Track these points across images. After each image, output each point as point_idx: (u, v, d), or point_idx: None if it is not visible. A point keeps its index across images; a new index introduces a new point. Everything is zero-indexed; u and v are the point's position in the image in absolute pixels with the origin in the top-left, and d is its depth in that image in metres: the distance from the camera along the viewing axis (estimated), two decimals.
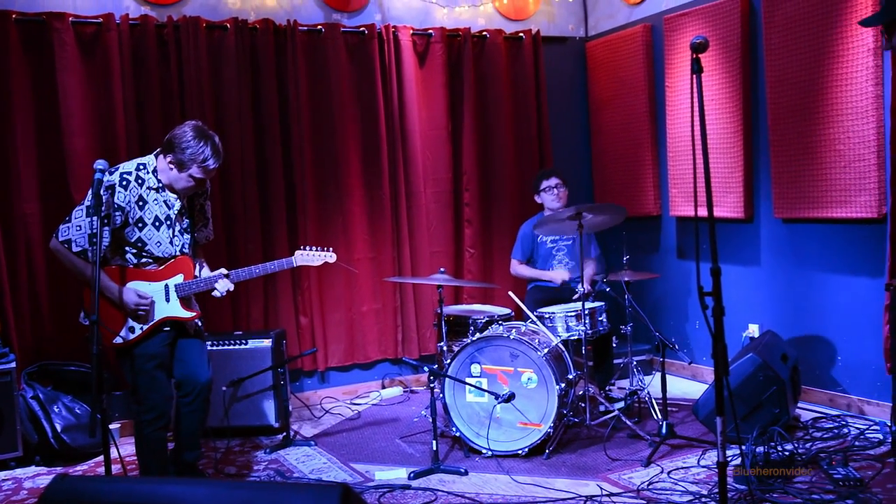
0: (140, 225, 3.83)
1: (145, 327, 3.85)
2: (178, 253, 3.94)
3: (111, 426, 3.97)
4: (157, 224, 3.86)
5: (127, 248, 3.88)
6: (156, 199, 3.86)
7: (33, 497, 4.29)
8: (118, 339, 3.85)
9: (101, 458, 4.79)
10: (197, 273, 4.00)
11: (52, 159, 5.19)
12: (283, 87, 5.78)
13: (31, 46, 5.15)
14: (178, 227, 3.94)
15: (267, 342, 5.24)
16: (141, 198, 3.83)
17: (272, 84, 5.72)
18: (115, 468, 3.69)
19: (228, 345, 5.22)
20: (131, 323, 3.85)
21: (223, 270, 3.99)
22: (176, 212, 3.92)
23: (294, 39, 5.74)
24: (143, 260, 3.88)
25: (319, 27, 5.86)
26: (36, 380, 5.00)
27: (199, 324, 4.12)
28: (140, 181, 3.83)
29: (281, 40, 5.75)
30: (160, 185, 3.87)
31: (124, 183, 3.79)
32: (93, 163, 3.66)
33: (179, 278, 3.91)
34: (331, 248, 4.23)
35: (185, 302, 3.94)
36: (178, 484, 2.51)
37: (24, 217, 5.12)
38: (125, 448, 4.81)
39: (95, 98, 5.28)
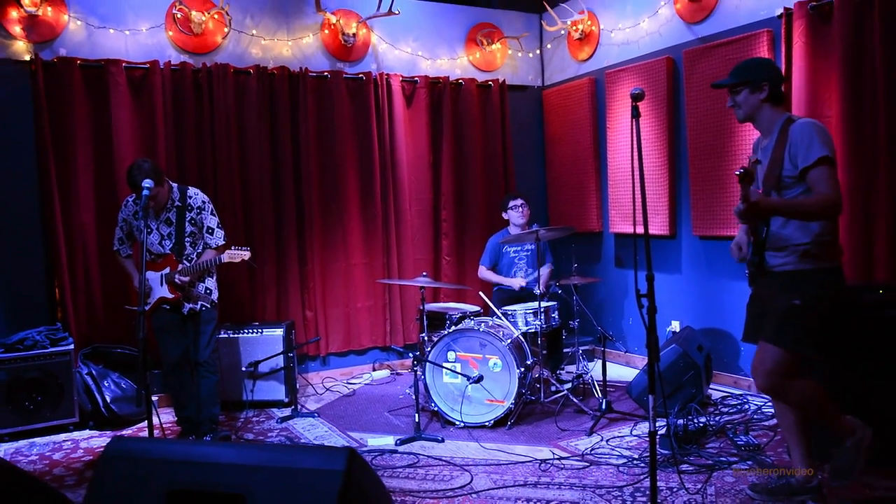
0: (138, 231, 4.33)
1: (151, 303, 4.36)
2: (167, 252, 4.34)
3: (152, 398, 4.02)
4: (148, 230, 4.32)
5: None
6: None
7: (88, 455, 4.30)
8: (139, 309, 4.26)
9: (143, 423, 4.78)
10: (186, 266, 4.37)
11: (105, 179, 5.20)
12: (295, 122, 5.80)
13: (91, 87, 5.16)
14: (164, 234, 4.34)
15: (279, 331, 5.26)
16: (137, 213, 4.34)
17: (286, 119, 5.75)
18: (156, 433, 3.71)
19: (247, 333, 5.24)
20: (147, 300, 4.37)
21: (186, 265, 4.35)
22: (160, 222, 4.33)
23: (305, 83, 5.77)
24: (151, 257, 4.36)
25: (326, 73, 5.90)
26: (90, 359, 5.00)
27: (207, 305, 4.43)
28: (137, 201, 4.29)
29: (294, 84, 5.78)
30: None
31: (125, 203, 4.43)
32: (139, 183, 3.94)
33: (167, 270, 4.33)
34: (248, 248, 4.39)
35: (173, 287, 4.32)
36: (212, 445, 2.54)
37: (82, 225, 5.13)
38: (163, 416, 4.83)
39: (142, 130, 5.29)
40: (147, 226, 4.14)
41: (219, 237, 4.46)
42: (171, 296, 4.32)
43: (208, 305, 4.44)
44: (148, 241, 4.29)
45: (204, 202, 4.42)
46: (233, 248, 4.37)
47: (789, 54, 4.52)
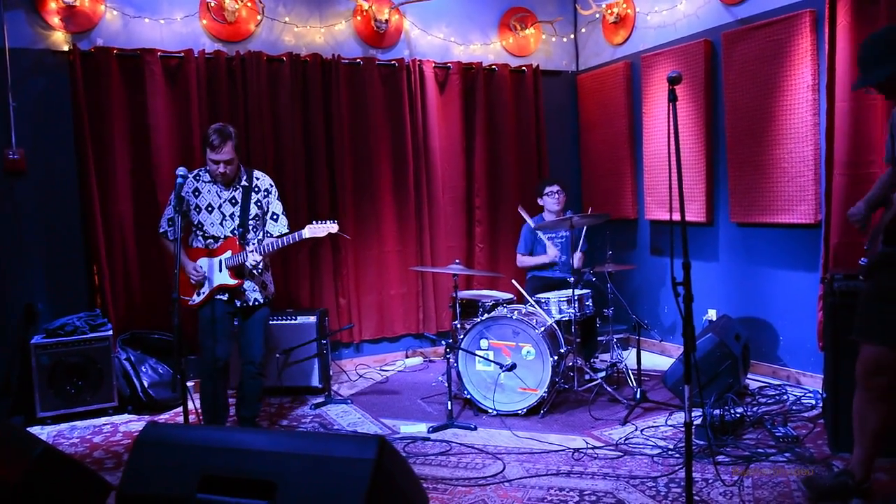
0: (197, 210, 4.09)
1: (204, 293, 4.08)
2: (228, 234, 4.09)
3: (187, 384, 4.02)
4: (209, 209, 4.09)
5: (196, 231, 4.15)
6: (208, 190, 4.11)
7: (127, 438, 4.38)
8: (191, 302, 4.13)
9: (179, 409, 4.87)
10: (251, 249, 4.09)
11: (141, 167, 5.24)
12: (328, 109, 5.80)
13: (127, 76, 5.21)
14: (226, 213, 4.09)
15: (312, 318, 5.29)
16: (197, 189, 4.10)
17: (319, 106, 5.75)
18: (191, 418, 3.76)
19: (281, 320, 5.27)
20: (199, 289, 4.11)
21: (253, 245, 4.09)
22: (224, 201, 4.09)
23: (338, 70, 5.77)
24: (208, 241, 4.11)
25: (358, 60, 5.89)
26: (128, 345, 5.08)
27: (260, 300, 4.17)
28: (197, 177, 4.15)
29: (327, 71, 5.78)
30: (210, 179, 4.13)
31: (184, 179, 3.96)
32: (174, 170, 3.87)
33: (228, 254, 4.08)
34: (335, 220, 4.19)
35: (234, 272, 4.08)
36: (245, 432, 2.56)
37: (119, 214, 5.19)
38: (199, 402, 4.87)
39: (177, 118, 5.32)
40: (180, 202, 3.75)
41: (283, 225, 4.22)
42: (232, 282, 4.06)
43: (261, 300, 4.18)
44: (208, 222, 4.08)
45: (271, 185, 4.23)
46: (314, 222, 4.13)
47: (833, 35, 4.37)
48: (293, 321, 5.28)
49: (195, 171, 4.19)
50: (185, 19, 5.37)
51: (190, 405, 3.70)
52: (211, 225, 4.09)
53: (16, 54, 4.94)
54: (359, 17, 5.92)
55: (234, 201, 4.12)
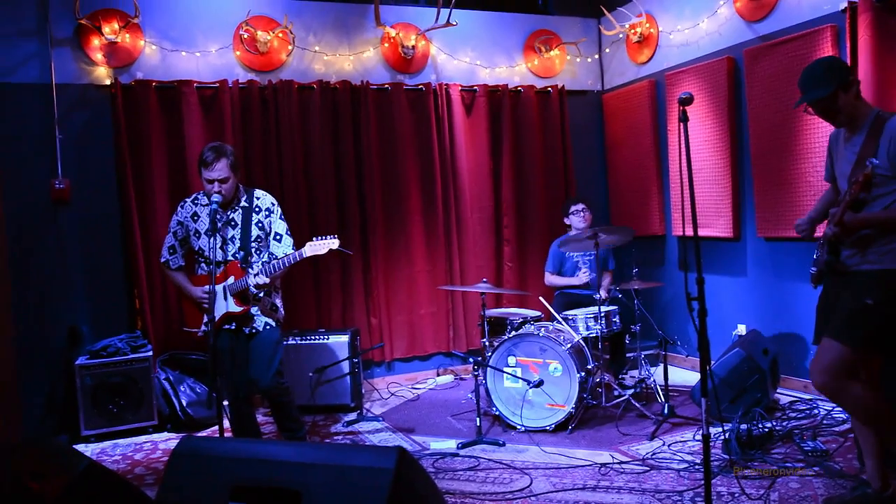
0: (196, 235, 3.91)
1: (214, 321, 3.78)
2: (230, 258, 3.86)
3: (223, 402, 4.04)
4: (208, 234, 3.80)
5: (198, 258, 3.97)
6: (208, 213, 3.81)
7: (166, 455, 4.48)
8: (200, 333, 3.98)
9: (216, 427, 4.99)
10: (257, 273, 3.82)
11: (179, 193, 5.32)
12: (357, 133, 5.94)
13: (165, 106, 5.42)
14: (227, 237, 3.86)
15: (344, 338, 5.38)
16: (195, 213, 3.93)
17: (349, 131, 5.89)
18: (227, 435, 3.87)
19: (314, 339, 5.37)
20: (206, 318, 3.87)
21: (256, 269, 3.81)
22: (222, 224, 3.85)
23: (366, 96, 5.91)
24: (209, 268, 3.81)
25: (387, 86, 6.03)
26: (167, 365, 5.23)
27: (271, 324, 3.96)
28: (196, 201, 3.98)
29: (356, 97, 5.92)
30: (206, 201, 3.91)
31: (182, 204, 4.01)
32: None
33: (231, 280, 3.84)
34: (335, 236, 3.86)
35: (239, 299, 3.84)
36: (272, 444, 2.66)
37: (158, 239, 5.28)
38: None
39: None
40: (215, 228, 3.63)
41: (287, 245, 3.96)
42: (238, 309, 3.83)
43: (272, 324, 3.94)
44: (207, 247, 3.78)
45: (273, 204, 3.97)
46: (314, 238, 3.84)
47: (854, 50, 4.39)
48: (326, 340, 5.37)
49: (193, 196, 4.02)
50: (219, 51, 5.59)
51: (226, 423, 3.81)
52: (211, 250, 3.70)
53: (62, 89, 5.19)
54: (386, 45, 6.08)
55: (233, 223, 3.88)
